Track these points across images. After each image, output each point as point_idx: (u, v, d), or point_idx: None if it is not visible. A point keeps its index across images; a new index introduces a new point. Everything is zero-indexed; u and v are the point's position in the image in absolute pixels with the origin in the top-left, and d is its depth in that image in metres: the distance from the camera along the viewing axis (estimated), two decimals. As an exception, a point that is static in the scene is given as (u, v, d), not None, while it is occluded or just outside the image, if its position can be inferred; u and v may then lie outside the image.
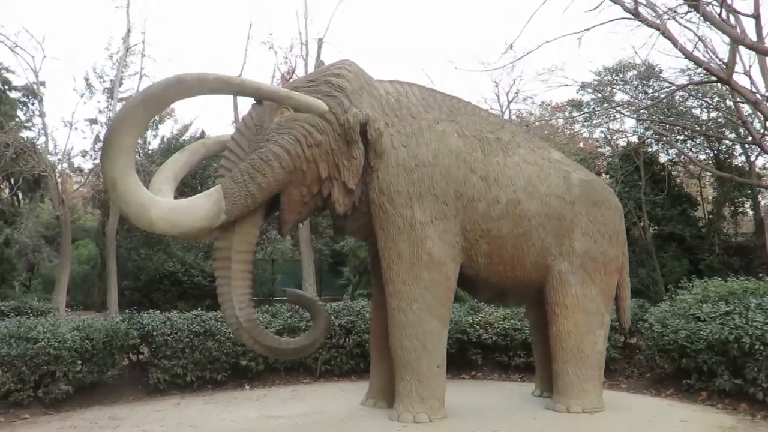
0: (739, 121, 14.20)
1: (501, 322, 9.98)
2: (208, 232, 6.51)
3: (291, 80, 8.54)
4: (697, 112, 18.04)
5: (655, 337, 8.11)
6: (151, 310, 10.04)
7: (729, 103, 16.39)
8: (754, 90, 10.63)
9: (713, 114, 17.83)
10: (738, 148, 19.50)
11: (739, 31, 9.11)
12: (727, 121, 17.28)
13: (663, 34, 10.66)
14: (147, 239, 22.23)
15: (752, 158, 19.13)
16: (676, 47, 10.68)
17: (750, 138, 14.02)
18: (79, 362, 8.14)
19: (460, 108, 7.44)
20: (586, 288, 6.95)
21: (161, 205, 6.10)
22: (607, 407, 7.03)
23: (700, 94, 16.89)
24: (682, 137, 18.66)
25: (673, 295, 9.02)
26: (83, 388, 8.28)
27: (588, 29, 8.49)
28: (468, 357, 10.05)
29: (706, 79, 11.38)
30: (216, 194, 6.31)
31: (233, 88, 6.25)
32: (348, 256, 15.58)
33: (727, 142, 19.33)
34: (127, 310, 10.88)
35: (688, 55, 10.70)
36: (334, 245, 20.34)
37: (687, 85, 11.86)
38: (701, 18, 8.36)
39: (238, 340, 7.12)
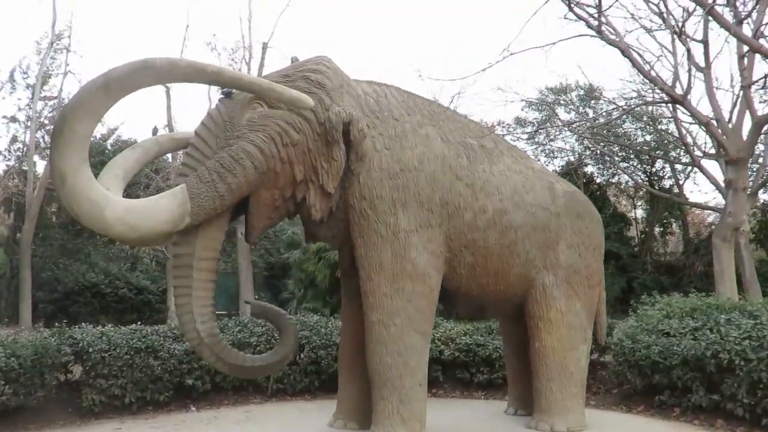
0: (680, 144, 14.75)
1: (463, 338, 9.66)
2: (168, 237, 5.82)
3: (262, 75, 7.92)
4: (632, 134, 18.70)
5: (626, 352, 8.02)
6: (83, 324, 9.06)
7: (665, 126, 17.08)
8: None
9: (648, 137, 18.56)
10: (668, 171, 20.39)
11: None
12: (661, 143, 18.00)
13: (623, 53, 10.90)
14: (64, 249, 20.63)
15: (680, 181, 20.06)
16: (634, 66, 10.95)
17: (689, 159, 14.57)
18: (2, 383, 7.15)
19: (440, 113, 7.11)
20: (571, 302, 6.73)
21: (117, 205, 5.38)
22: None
23: (637, 117, 17.51)
24: (618, 158, 19.26)
25: (636, 311, 9.02)
26: (6, 412, 7.26)
27: (553, 44, 8.48)
28: (429, 374, 9.65)
29: (659, 100, 11.70)
30: (181, 194, 5.64)
31: (208, 76, 5.63)
32: (292, 269, 14.89)
33: (658, 164, 20.19)
34: (36, 324, 9.82)
35: (645, 75, 10.97)
36: (269, 258, 19.54)
37: (642, 104, 12.13)
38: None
39: (199, 356, 6.41)
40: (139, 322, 9.53)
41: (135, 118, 41.73)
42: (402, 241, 6.16)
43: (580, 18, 10.11)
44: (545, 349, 6.66)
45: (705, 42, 11.51)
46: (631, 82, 14.52)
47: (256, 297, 18.13)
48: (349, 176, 6.29)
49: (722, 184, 12.47)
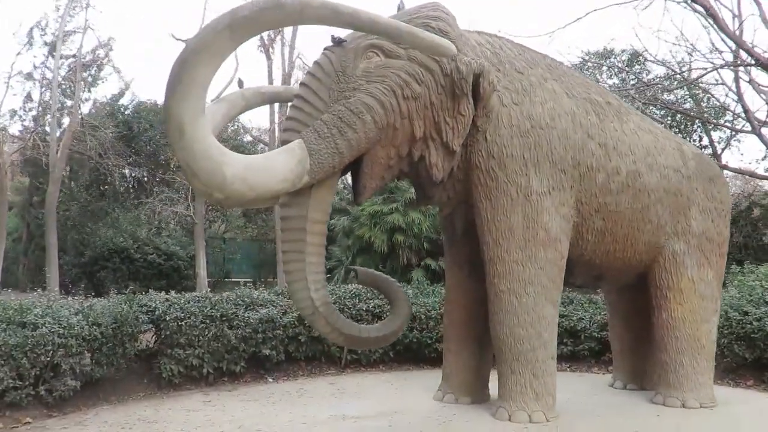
0: (741, 111, 14.23)
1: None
2: (276, 198, 5.33)
3: None
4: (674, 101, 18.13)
5: (732, 324, 7.64)
6: (152, 291, 8.62)
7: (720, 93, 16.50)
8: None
9: (686, 105, 18.01)
10: (705, 142, 19.89)
11: None
12: (700, 112, 17.47)
13: (707, 11, 10.33)
14: (87, 211, 20.01)
15: (718, 151, 19.57)
16: (722, 30, 10.37)
17: (749, 127, 14.08)
18: (87, 353, 6.70)
19: (558, 67, 6.58)
20: (703, 271, 6.31)
21: (236, 161, 4.87)
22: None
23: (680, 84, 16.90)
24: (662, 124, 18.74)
25: (735, 282, 8.65)
26: (89, 383, 6.81)
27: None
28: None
29: (745, 62, 11.15)
30: (299, 150, 5.11)
31: (342, 18, 5.02)
32: (339, 234, 14.39)
33: (695, 134, 19.70)
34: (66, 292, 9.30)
35: (732, 37, 10.42)
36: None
37: (725, 65, 11.55)
38: None
39: (312, 326, 5.96)
40: (171, 290, 9.01)
41: (155, 77, 40.24)
42: (534, 204, 5.69)
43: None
44: (675, 321, 6.25)
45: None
46: (677, 45, 13.84)
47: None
48: (474, 133, 5.78)
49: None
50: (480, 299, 6.29)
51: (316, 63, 5.73)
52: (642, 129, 6.34)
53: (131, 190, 21.59)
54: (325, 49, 5.81)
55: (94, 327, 6.72)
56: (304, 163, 5.11)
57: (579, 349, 8.99)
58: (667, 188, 6.24)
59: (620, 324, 7.26)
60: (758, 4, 10.86)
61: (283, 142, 5.46)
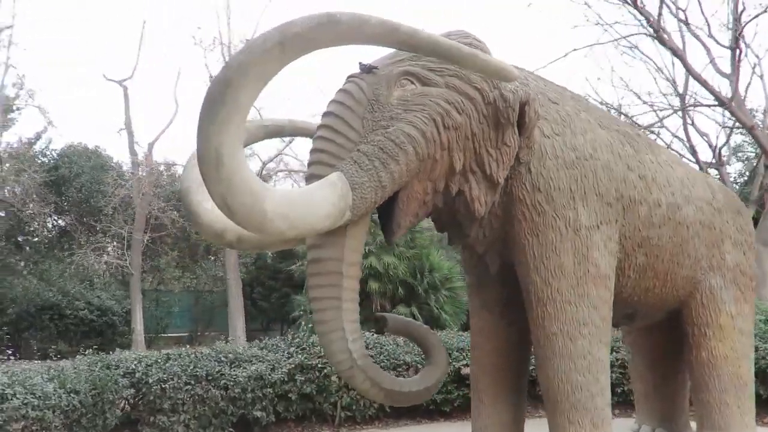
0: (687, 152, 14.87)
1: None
2: (308, 238, 4.75)
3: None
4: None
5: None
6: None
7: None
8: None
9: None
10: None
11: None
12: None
13: (675, 54, 10.71)
14: (6, 265, 18.07)
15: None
16: (688, 71, 10.78)
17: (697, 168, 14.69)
18: (61, 424, 5.68)
19: (580, 99, 6.41)
20: (740, 305, 6.15)
21: (276, 196, 4.26)
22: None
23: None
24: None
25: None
26: (64, 463, 5.76)
27: (613, 41, 8.10)
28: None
29: (706, 103, 11.63)
30: (341, 184, 4.53)
31: (399, 37, 4.55)
32: (305, 281, 13.54)
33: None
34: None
35: (697, 78, 10.83)
36: (254, 270, 17.81)
37: (690, 107, 11.99)
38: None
39: (348, 382, 5.25)
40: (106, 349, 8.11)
41: (84, 120, 38.12)
42: (584, 240, 5.34)
43: (644, 16, 9.83)
44: (716, 359, 6.02)
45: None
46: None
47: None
48: (515, 165, 5.42)
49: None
50: (514, 345, 5.85)
51: (343, 91, 5.19)
52: (673, 161, 6.23)
53: (56, 240, 19.81)
54: (351, 76, 5.32)
55: (72, 395, 5.72)
56: (346, 198, 4.54)
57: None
58: (702, 221, 6.11)
59: (644, 364, 6.99)
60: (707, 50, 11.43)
61: (311, 177, 4.85)
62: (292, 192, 4.63)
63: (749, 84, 11.56)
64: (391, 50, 5.40)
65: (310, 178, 4.84)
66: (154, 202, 17.73)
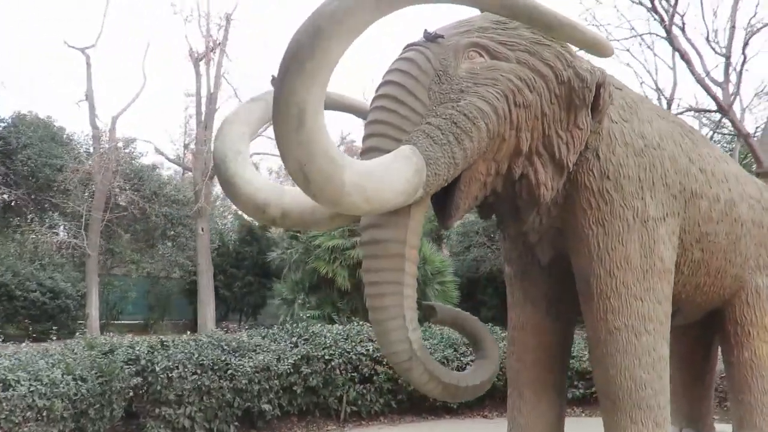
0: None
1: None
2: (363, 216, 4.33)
3: (466, 19, 6.23)
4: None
5: None
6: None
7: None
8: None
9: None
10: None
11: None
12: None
13: (682, 57, 10.74)
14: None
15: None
16: (693, 75, 10.82)
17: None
18: (68, 414, 5.01)
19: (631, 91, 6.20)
20: (784, 307, 6.09)
21: (355, 166, 3.81)
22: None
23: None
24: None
25: None
26: (67, 459, 5.09)
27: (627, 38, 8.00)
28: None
29: (707, 108, 11.74)
30: (416, 159, 4.10)
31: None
32: (285, 270, 12.92)
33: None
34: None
35: (700, 82, 10.90)
36: (216, 257, 16.92)
37: (688, 110, 12.07)
38: None
39: (404, 375, 4.80)
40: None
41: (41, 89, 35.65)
42: (650, 232, 5.10)
43: (655, 13, 9.78)
44: (759, 359, 5.92)
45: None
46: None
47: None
48: (582, 150, 5.13)
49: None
50: (559, 341, 5.56)
51: (406, 60, 4.72)
52: (725, 158, 6.10)
53: (1, 216, 18.37)
54: (413, 45, 4.87)
55: (80, 383, 5.06)
56: (421, 173, 4.10)
57: (592, 392, 8.51)
58: (753, 219, 6.00)
59: (673, 364, 6.80)
60: (700, 57, 11.55)
61: (371, 150, 4.39)
62: (370, 163, 4.13)
63: (737, 93, 11.68)
64: (456, 20, 5.01)
65: (369, 151, 4.35)
66: (114, 180, 16.65)
